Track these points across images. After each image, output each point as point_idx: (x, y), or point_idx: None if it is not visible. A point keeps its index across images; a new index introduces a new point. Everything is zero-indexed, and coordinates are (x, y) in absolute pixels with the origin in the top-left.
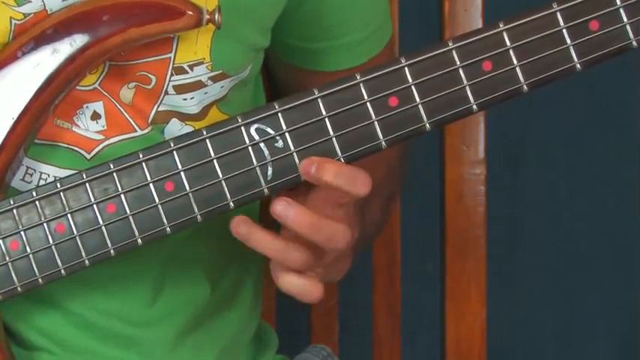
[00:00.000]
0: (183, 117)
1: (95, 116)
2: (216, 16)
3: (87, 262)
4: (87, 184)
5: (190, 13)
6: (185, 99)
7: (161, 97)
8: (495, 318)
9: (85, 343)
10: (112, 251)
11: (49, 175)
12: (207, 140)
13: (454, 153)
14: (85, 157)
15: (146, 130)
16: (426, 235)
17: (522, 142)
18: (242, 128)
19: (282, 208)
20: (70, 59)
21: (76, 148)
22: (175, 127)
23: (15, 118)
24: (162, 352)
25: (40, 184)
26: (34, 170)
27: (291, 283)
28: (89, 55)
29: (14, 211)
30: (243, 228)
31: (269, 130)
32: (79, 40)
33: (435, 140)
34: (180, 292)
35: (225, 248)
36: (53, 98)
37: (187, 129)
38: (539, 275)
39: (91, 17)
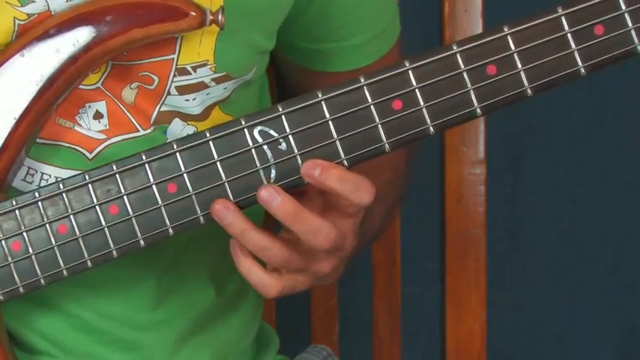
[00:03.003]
0: (186, 117)
1: (97, 115)
2: (220, 17)
3: (89, 263)
4: (89, 185)
5: (194, 13)
6: (187, 100)
7: (163, 97)
8: (495, 318)
9: (86, 346)
10: (114, 252)
11: (50, 176)
12: (211, 142)
13: (454, 153)
14: (87, 157)
15: (148, 130)
16: (426, 235)
17: (522, 142)
18: (245, 130)
19: (268, 194)
20: (73, 59)
21: (77, 148)
22: (178, 128)
23: (17, 118)
24: (163, 356)
25: (41, 184)
26: (36, 171)
27: (253, 274)
28: (92, 55)
29: (17, 211)
30: (227, 216)
31: (272, 132)
32: (81, 40)
33: (435, 140)
34: (182, 296)
35: (228, 254)
36: (55, 98)
37: (190, 129)
38: (539, 275)
39: (94, 17)
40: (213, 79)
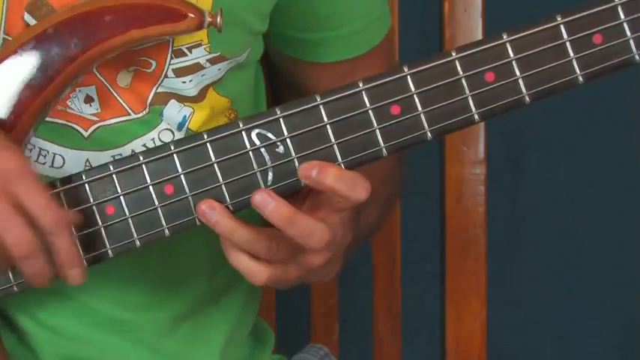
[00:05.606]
0: (182, 99)
1: (88, 99)
2: (218, 19)
3: (84, 262)
4: (86, 185)
5: (192, 15)
6: (184, 82)
7: (160, 80)
8: (495, 318)
9: (78, 329)
10: (109, 252)
11: (47, 152)
12: (208, 144)
13: (454, 153)
14: (83, 136)
15: (141, 114)
16: (426, 235)
17: (522, 142)
18: (243, 133)
19: (261, 199)
20: (71, 59)
21: (74, 125)
22: (174, 109)
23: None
24: (156, 338)
25: (39, 160)
26: (33, 146)
27: (242, 262)
28: (90, 55)
29: None
30: (212, 216)
31: (270, 135)
32: (80, 40)
33: (435, 140)
34: (178, 278)
35: None
36: (54, 97)
37: (186, 110)
38: (539, 275)
39: (92, 18)
40: (208, 60)
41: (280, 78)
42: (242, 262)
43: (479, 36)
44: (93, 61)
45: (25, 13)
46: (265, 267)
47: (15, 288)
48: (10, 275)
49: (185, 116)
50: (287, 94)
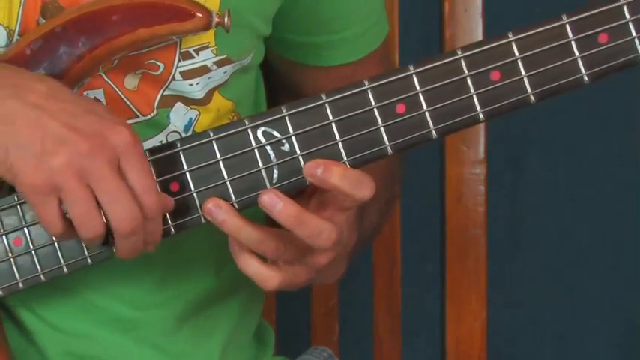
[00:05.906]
0: (188, 101)
1: None
2: (226, 20)
3: (89, 260)
4: None
5: (200, 15)
6: (191, 84)
7: (167, 82)
8: (495, 318)
9: (82, 326)
10: (114, 249)
11: None
12: (214, 142)
13: (454, 153)
14: None
15: (149, 116)
16: (426, 235)
17: (522, 142)
18: (249, 131)
19: (269, 199)
20: (78, 58)
21: None
22: (181, 111)
23: None
24: (160, 337)
25: None
26: None
27: (251, 266)
28: (97, 54)
29: (19, 207)
30: (219, 214)
31: (276, 133)
32: (87, 39)
33: (435, 140)
34: (184, 277)
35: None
36: None
37: (192, 113)
38: (539, 275)
39: (100, 17)
40: (214, 62)
41: (279, 82)
42: (251, 266)
43: (479, 36)
44: (100, 60)
45: (40, 17)
46: (276, 272)
47: (20, 285)
48: (16, 272)
49: (191, 119)
50: (285, 98)
